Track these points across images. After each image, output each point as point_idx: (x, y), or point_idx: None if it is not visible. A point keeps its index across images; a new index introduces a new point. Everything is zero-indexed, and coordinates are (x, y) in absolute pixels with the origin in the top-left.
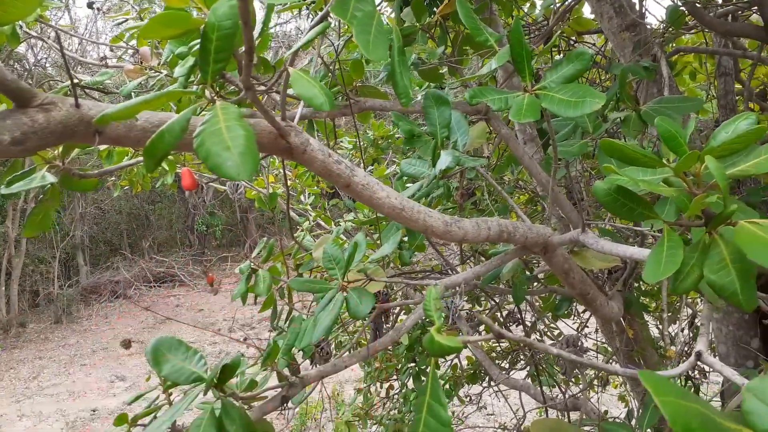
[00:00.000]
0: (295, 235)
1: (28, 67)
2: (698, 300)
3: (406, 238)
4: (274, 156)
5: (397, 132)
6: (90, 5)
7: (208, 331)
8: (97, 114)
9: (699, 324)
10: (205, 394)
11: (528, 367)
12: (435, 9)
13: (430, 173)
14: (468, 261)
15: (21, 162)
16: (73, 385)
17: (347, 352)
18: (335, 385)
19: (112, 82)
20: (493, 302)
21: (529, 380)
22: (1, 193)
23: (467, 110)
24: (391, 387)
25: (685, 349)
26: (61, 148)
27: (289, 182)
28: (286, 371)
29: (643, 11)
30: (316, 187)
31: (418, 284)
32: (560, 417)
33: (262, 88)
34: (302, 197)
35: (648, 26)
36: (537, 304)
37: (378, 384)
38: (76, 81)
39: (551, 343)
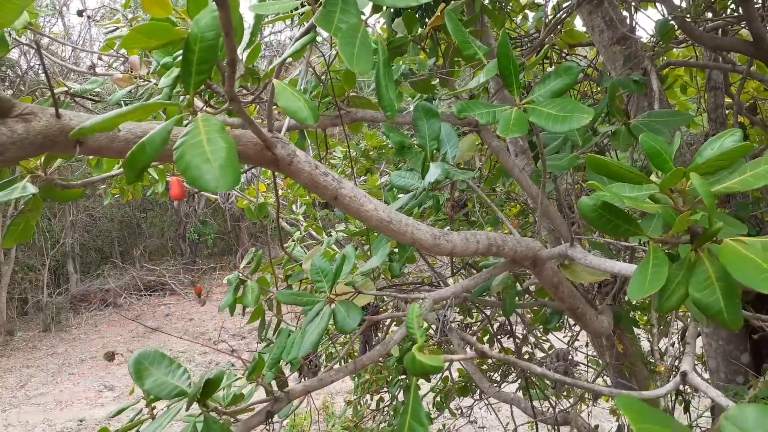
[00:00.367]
0: (285, 245)
1: (20, 73)
2: (689, 314)
3: (396, 250)
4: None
5: (390, 142)
6: (80, 13)
7: (195, 342)
8: (78, 124)
9: (687, 341)
10: (187, 409)
11: (519, 381)
12: (426, 21)
13: (420, 185)
14: (459, 273)
15: (8, 170)
16: (60, 395)
17: (338, 364)
18: (326, 397)
19: (104, 90)
20: (484, 314)
21: (519, 393)
22: None
23: (458, 122)
24: (381, 399)
25: (676, 363)
26: (43, 158)
27: (280, 192)
28: (273, 385)
29: (634, 25)
30: (307, 197)
31: (407, 297)
32: (551, 431)
33: (251, 98)
34: (294, 207)
35: (638, 40)
36: (528, 316)
37: (368, 396)
38: (65, 89)
39: (542, 356)
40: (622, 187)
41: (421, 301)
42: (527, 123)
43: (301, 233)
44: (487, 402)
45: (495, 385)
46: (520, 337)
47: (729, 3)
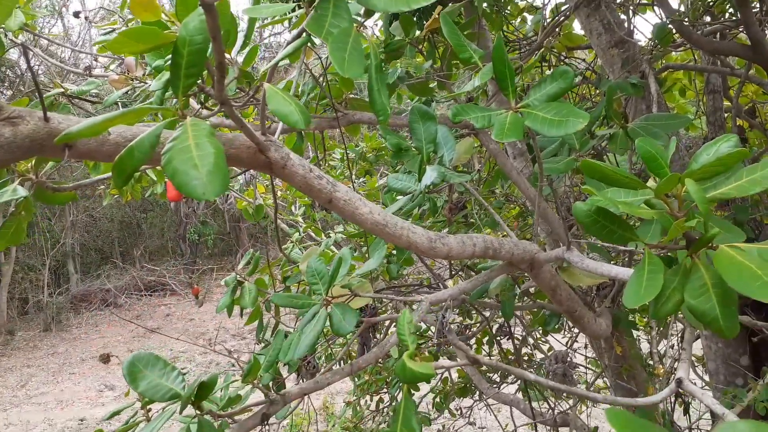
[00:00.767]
0: (284, 246)
1: (19, 73)
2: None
3: (395, 252)
4: None
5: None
6: (77, 15)
7: (194, 344)
8: (67, 128)
9: (683, 346)
10: (180, 412)
11: (518, 382)
12: (424, 23)
13: (417, 188)
14: (458, 275)
15: (4, 172)
16: (61, 394)
17: (335, 366)
18: (326, 397)
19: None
20: (483, 316)
21: (519, 395)
22: None
23: (456, 125)
24: (381, 400)
25: (675, 366)
26: (33, 161)
27: (279, 193)
28: (270, 386)
29: (632, 29)
30: (306, 199)
31: (404, 300)
32: None
33: (244, 101)
34: (293, 208)
35: (636, 43)
36: (527, 318)
37: (368, 397)
38: (61, 90)
39: (541, 358)
40: (617, 192)
41: (417, 304)
42: (523, 127)
43: (299, 234)
44: (486, 403)
45: (494, 386)
46: (520, 338)
47: (727, 7)
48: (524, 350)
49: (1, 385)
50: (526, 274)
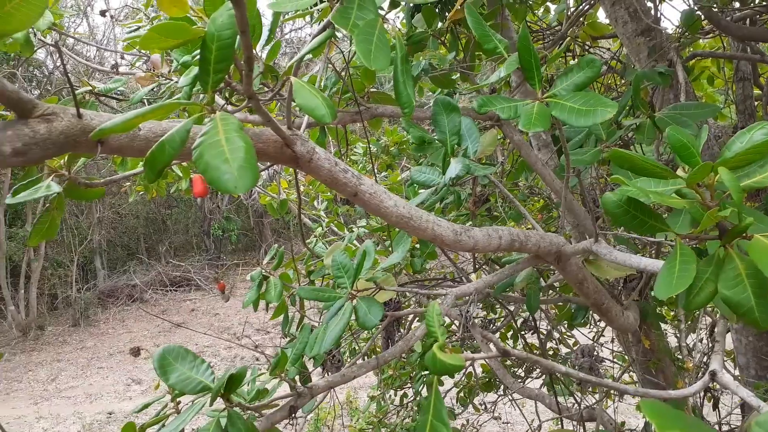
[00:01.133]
0: (307, 241)
1: (47, 73)
2: (717, 309)
3: (418, 246)
4: None
5: (410, 137)
6: (103, 13)
7: (220, 338)
8: (99, 124)
9: (716, 338)
10: (211, 404)
11: (543, 377)
12: (446, 15)
13: (441, 181)
14: (481, 268)
15: (35, 168)
16: (90, 388)
17: (360, 360)
18: (349, 391)
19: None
20: (507, 310)
21: (544, 390)
22: (7, 202)
23: (479, 117)
24: (405, 395)
25: (704, 360)
26: (66, 158)
27: (302, 188)
28: (296, 380)
29: (658, 16)
30: (329, 193)
31: (428, 293)
32: (576, 427)
33: (270, 95)
34: (315, 203)
35: (663, 31)
36: (553, 312)
37: (392, 391)
38: (89, 88)
39: (567, 352)
40: (647, 182)
41: (442, 298)
42: (549, 117)
43: (322, 229)
44: (511, 398)
45: (519, 380)
46: (545, 333)
47: None
48: (549, 345)
49: (32, 378)
50: (551, 268)
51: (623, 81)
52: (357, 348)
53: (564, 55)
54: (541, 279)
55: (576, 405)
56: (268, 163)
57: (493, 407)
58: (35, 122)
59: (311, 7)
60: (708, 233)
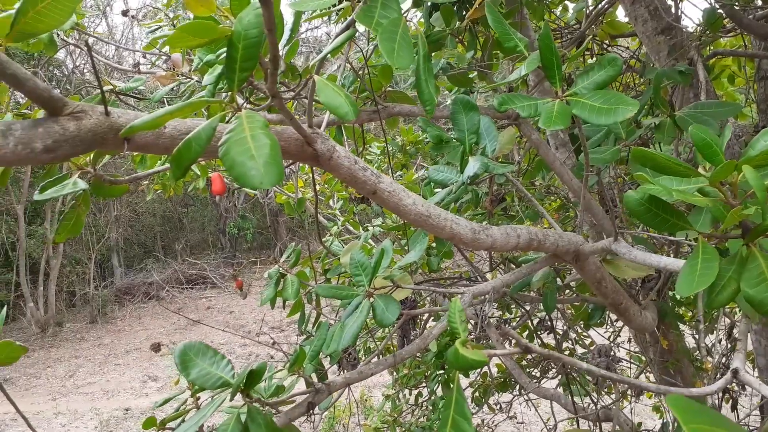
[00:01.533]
0: (323, 239)
1: (66, 73)
2: (737, 309)
3: (434, 245)
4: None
5: (426, 137)
6: (124, 13)
7: (236, 334)
8: (126, 121)
9: (737, 337)
10: (231, 399)
11: (559, 377)
12: (464, 13)
13: (458, 180)
14: (498, 268)
15: (57, 167)
16: (107, 384)
17: (376, 358)
18: (363, 390)
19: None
20: (523, 310)
21: (560, 389)
22: (35, 198)
23: (496, 115)
24: (419, 394)
25: (723, 360)
26: (92, 155)
27: (317, 187)
28: (313, 377)
29: (679, 14)
30: (344, 192)
31: (445, 292)
32: (592, 428)
33: (291, 95)
34: (331, 202)
35: (684, 29)
36: (569, 312)
37: (407, 390)
38: (110, 87)
39: (583, 352)
40: (669, 181)
41: (459, 296)
42: (570, 115)
43: (338, 228)
44: (526, 397)
45: (535, 380)
46: (561, 333)
47: None
48: (565, 345)
49: (50, 375)
50: (568, 267)
51: (642, 80)
52: (372, 346)
53: (582, 54)
54: (558, 278)
55: (592, 405)
56: (287, 162)
57: (508, 407)
58: (65, 120)
59: (331, 7)
60: (730, 232)
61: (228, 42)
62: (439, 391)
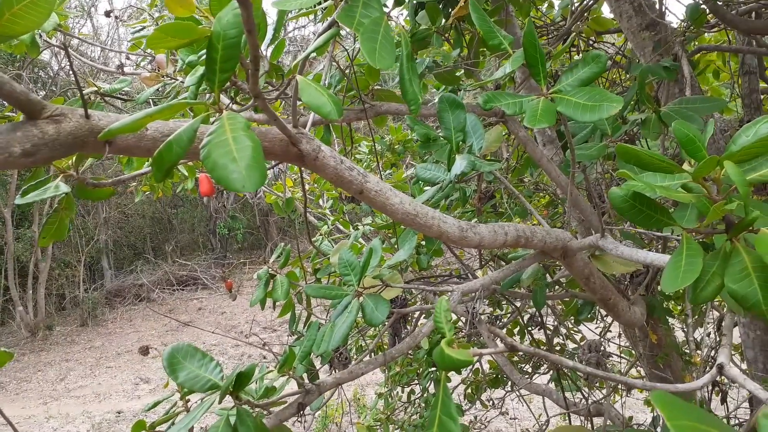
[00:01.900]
0: (313, 239)
1: (52, 74)
2: (725, 303)
3: (424, 243)
4: None
5: (415, 136)
6: (107, 14)
7: (227, 336)
8: (107, 124)
9: (723, 332)
10: (220, 401)
11: (550, 372)
12: (450, 11)
13: (446, 178)
14: (487, 265)
15: (42, 169)
16: (98, 387)
17: (367, 357)
18: (356, 389)
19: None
20: (513, 306)
21: (551, 385)
22: (16, 203)
23: (484, 113)
24: (412, 391)
25: (712, 353)
26: (74, 158)
27: (307, 187)
28: (304, 377)
29: (663, 10)
30: (334, 192)
31: (435, 290)
32: (584, 423)
33: (275, 94)
34: (320, 201)
35: (668, 25)
36: (559, 308)
37: (399, 388)
38: (94, 89)
39: (573, 347)
40: (653, 177)
41: (449, 294)
42: (555, 113)
43: (328, 227)
44: (518, 393)
45: (526, 376)
46: (551, 328)
47: None
48: (556, 340)
49: (41, 379)
50: (557, 264)
51: (628, 76)
52: (364, 345)
53: (568, 50)
54: (548, 275)
55: (583, 400)
56: (274, 162)
57: (500, 403)
58: (44, 123)
59: (315, 6)
60: (714, 227)
61: (208, 43)
62: (432, 389)
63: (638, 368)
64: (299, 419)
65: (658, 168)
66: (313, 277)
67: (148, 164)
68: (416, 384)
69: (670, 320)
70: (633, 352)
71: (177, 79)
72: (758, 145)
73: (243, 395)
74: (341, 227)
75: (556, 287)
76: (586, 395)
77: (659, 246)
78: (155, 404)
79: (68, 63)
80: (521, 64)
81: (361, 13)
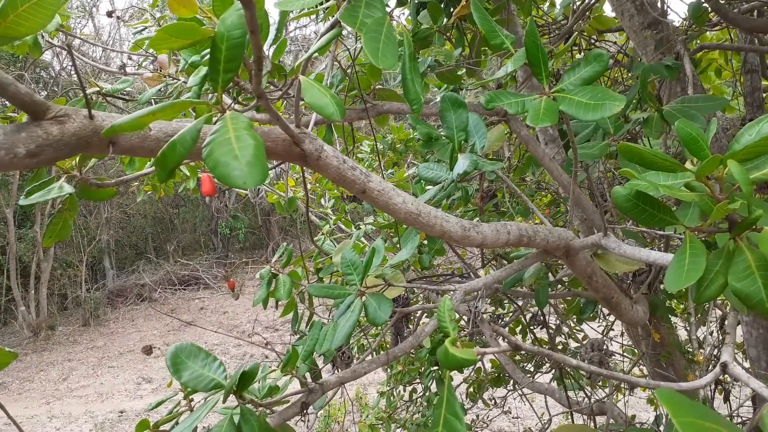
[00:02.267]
0: (315, 238)
1: (53, 74)
2: (728, 302)
3: (426, 242)
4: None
5: (417, 135)
6: (109, 14)
7: (229, 335)
8: (110, 125)
9: (726, 330)
10: (224, 401)
11: (553, 371)
12: (452, 10)
13: (448, 177)
14: (490, 264)
15: (45, 170)
16: (101, 387)
17: (370, 356)
18: (359, 388)
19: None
20: (516, 305)
21: (554, 384)
22: (20, 203)
23: (485, 112)
24: (414, 390)
25: (714, 352)
26: (77, 159)
27: (309, 186)
28: (307, 377)
29: (665, 8)
30: (336, 191)
31: (437, 289)
32: (586, 421)
33: (278, 94)
34: (322, 201)
35: (670, 24)
36: (561, 306)
37: (401, 387)
38: (97, 89)
39: (576, 346)
40: (656, 176)
41: (452, 293)
42: (557, 112)
43: (330, 227)
44: (521, 392)
45: (529, 375)
46: (554, 327)
47: None
48: (558, 339)
49: (44, 378)
50: (560, 263)
51: (630, 75)
52: (366, 344)
53: (570, 49)
54: (550, 274)
55: (586, 399)
56: (276, 162)
57: (503, 402)
58: (48, 124)
59: (317, 6)
60: (717, 226)
61: (211, 43)
62: (434, 388)
63: (641, 367)
64: (302, 418)
65: (661, 167)
66: (316, 276)
67: (150, 164)
68: (418, 383)
69: (673, 319)
70: (636, 351)
71: (179, 80)
72: (761, 143)
73: (246, 394)
74: (343, 227)
75: (559, 286)
76: (589, 394)
77: (661, 245)
78: (158, 404)
79: (72, 64)
80: (523, 63)
81: (364, 12)
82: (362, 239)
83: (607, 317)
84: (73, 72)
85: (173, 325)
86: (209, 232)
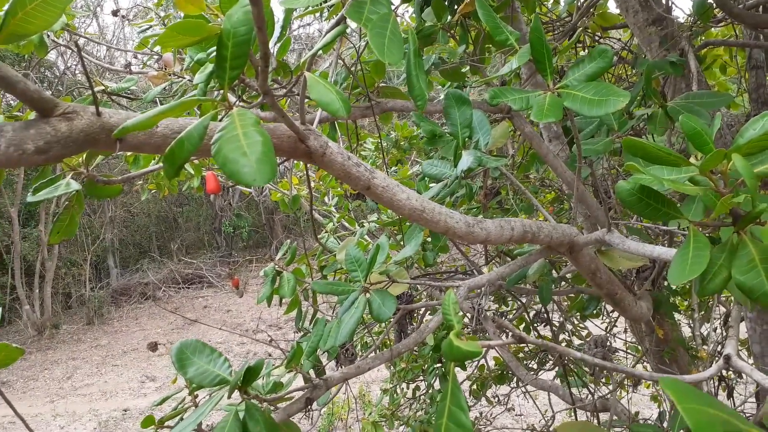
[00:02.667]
0: (319, 236)
1: (58, 74)
2: (732, 298)
3: (429, 239)
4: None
5: (420, 132)
6: (114, 13)
7: (234, 333)
8: (118, 122)
9: (730, 325)
10: (229, 396)
11: (556, 368)
12: (456, 7)
13: (452, 174)
14: (493, 261)
15: (50, 168)
16: (105, 385)
17: (373, 353)
18: (361, 385)
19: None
20: (519, 302)
21: (557, 381)
22: (27, 200)
23: (489, 109)
24: (417, 388)
25: (718, 349)
26: (84, 156)
27: (312, 184)
28: (311, 373)
29: (670, 5)
30: (339, 189)
31: (441, 286)
32: (589, 418)
33: (283, 92)
34: (326, 199)
35: (675, 20)
36: (565, 304)
37: (404, 384)
38: (102, 87)
39: (579, 343)
40: (660, 170)
41: (454, 289)
42: (561, 107)
43: (333, 224)
44: (524, 389)
45: (532, 372)
46: (557, 324)
47: None
48: (562, 336)
49: (48, 377)
50: (563, 259)
51: (634, 71)
52: (370, 341)
53: (574, 46)
54: (554, 270)
55: (589, 396)
56: (280, 159)
57: (506, 399)
58: (56, 121)
59: (321, 4)
60: (721, 220)
61: (218, 40)
62: (437, 385)
63: (644, 363)
64: (306, 415)
65: (665, 161)
66: (319, 274)
67: (155, 162)
68: (421, 380)
69: (677, 315)
70: (639, 347)
71: (184, 78)
72: (765, 138)
73: (251, 390)
74: (347, 224)
75: (562, 283)
76: (592, 391)
77: (665, 241)
78: (163, 400)
79: (79, 63)
80: (527, 59)
81: (369, 9)
82: (366, 237)
83: (610, 314)
84: (77, 71)
85: (177, 324)
86: (213, 231)
